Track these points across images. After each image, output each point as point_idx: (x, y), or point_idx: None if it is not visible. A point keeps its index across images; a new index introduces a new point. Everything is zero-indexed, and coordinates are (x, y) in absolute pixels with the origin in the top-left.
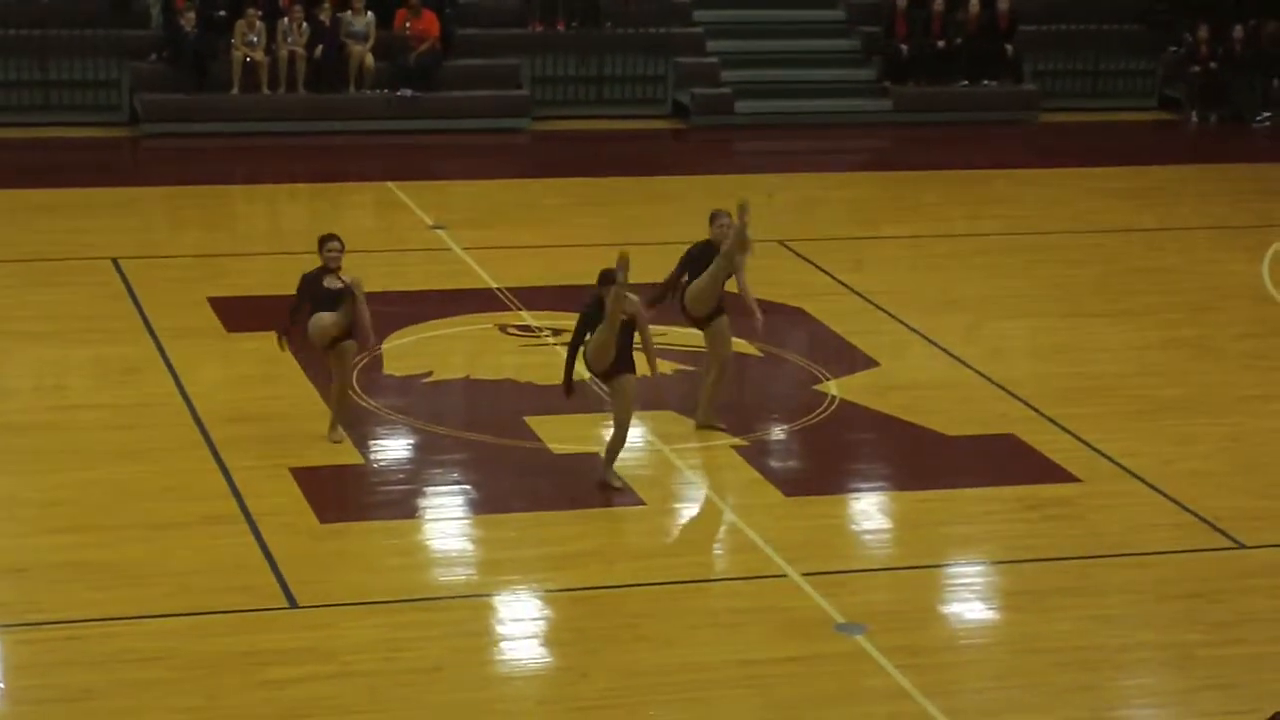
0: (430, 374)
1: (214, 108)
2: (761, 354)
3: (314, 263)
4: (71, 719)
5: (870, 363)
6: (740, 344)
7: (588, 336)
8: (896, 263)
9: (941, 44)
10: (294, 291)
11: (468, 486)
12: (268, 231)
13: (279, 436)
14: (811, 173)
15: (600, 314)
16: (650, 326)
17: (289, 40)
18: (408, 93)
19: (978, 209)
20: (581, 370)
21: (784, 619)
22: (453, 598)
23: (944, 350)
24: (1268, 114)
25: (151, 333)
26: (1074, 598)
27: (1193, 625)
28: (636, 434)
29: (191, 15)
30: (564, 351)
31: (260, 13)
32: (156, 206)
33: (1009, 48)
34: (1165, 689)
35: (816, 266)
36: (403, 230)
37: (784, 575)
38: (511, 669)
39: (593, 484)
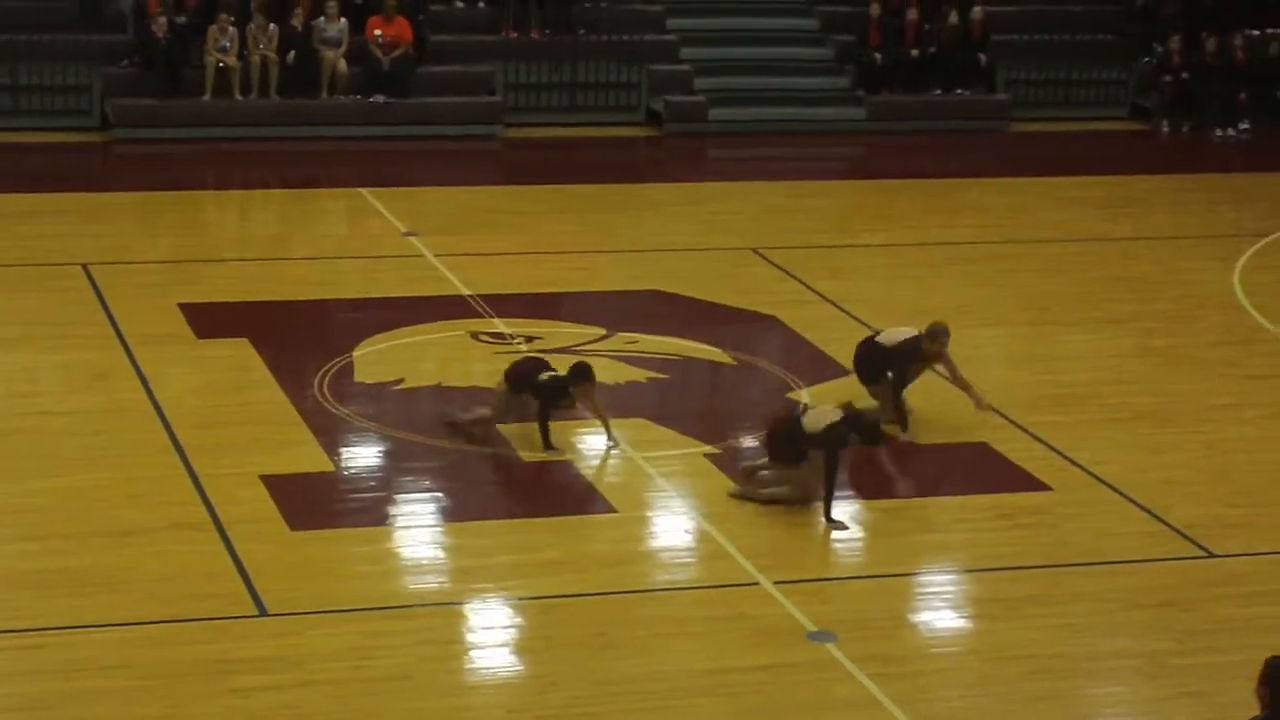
0: (401, 381)
1: (186, 113)
2: (734, 361)
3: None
4: None
5: (842, 371)
6: (713, 352)
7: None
8: (869, 271)
9: (915, 53)
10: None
11: (438, 494)
12: (239, 237)
13: (249, 443)
14: (785, 181)
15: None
16: (623, 334)
17: (261, 46)
18: (380, 99)
19: (951, 217)
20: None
21: (755, 627)
22: (422, 605)
23: None
24: (1245, 125)
25: (121, 339)
26: (1045, 606)
27: (1163, 634)
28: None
29: (164, 21)
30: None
31: (233, 18)
32: (127, 212)
33: (982, 57)
34: (1136, 698)
35: (789, 274)
36: (375, 237)
37: (755, 583)
38: (481, 677)
39: (563, 491)
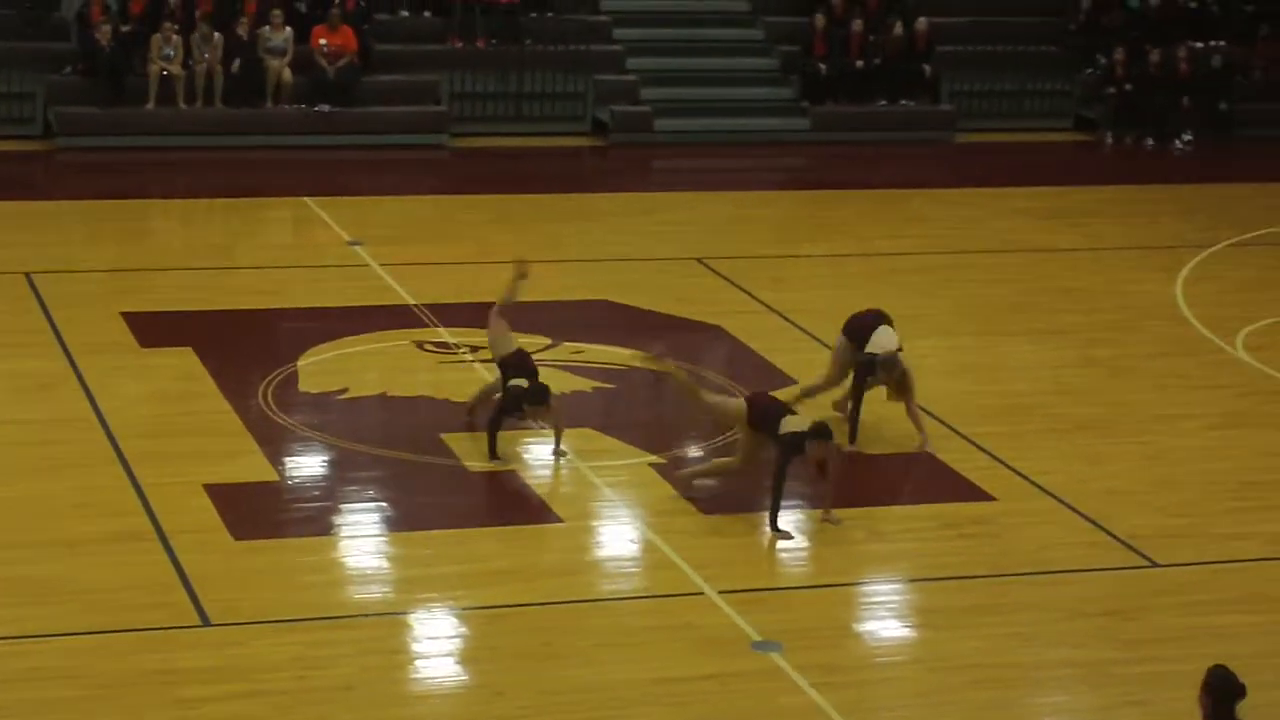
0: (346, 391)
1: (130, 121)
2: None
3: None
4: None
5: (788, 380)
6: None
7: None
8: (814, 281)
9: (860, 64)
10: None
11: (383, 504)
12: (183, 246)
13: (193, 453)
14: (730, 191)
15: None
16: (569, 344)
17: (205, 55)
18: (325, 108)
19: (896, 228)
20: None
21: (700, 637)
22: (367, 616)
23: None
24: (1188, 136)
25: (64, 348)
26: (989, 615)
27: (1106, 643)
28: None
29: (107, 29)
30: (481, 369)
31: (177, 26)
32: (71, 221)
33: (927, 68)
34: (1079, 706)
35: (734, 284)
36: (320, 246)
37: (701, 593)
38: (426, 687)
39: (509, 500)
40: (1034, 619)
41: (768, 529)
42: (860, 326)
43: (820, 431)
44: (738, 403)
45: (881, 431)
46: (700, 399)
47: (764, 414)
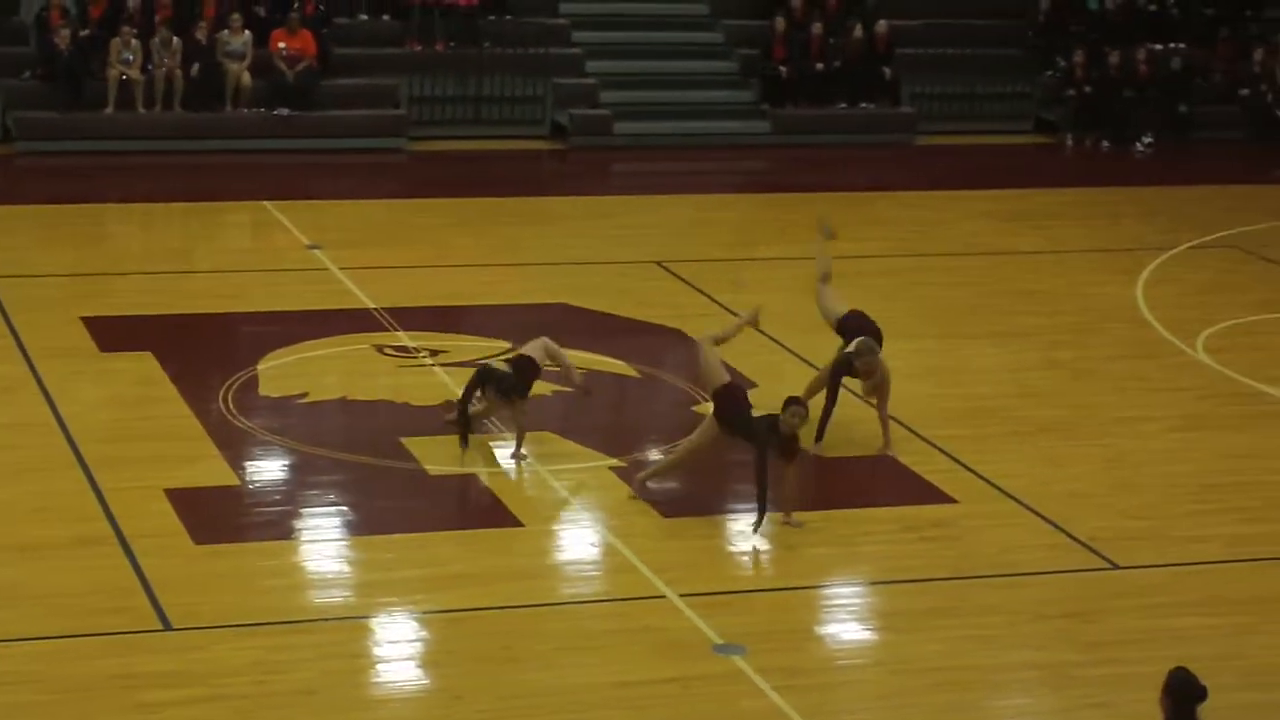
0: (306, 395)
1: (88, 126)
2: (639, 375)
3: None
4: None
5: (748, 384)
6: (619, 365)
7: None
8: (775, 284)
9: (820, 67)
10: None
11: (343, 508)
12: (142, 251)
13: (154, 457)
14: (690, 194)
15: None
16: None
17: (165, 59)
18: (284, 111)
19: (856, 230)
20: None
21: (662, 640)
22: (327, 620)
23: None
24: (1148, 139)
25: (24, 352)
26: (950, 618)
27: (1067, 645)
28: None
29: (66, 33)
30: (441, 373)
31: (136, 31)
32: (29, 225)
33: (887, 71)
34: (1040, 709)
35: (694, 287)
36: (279, 250)
37: (662, 596)
38: (386, 691)
39: (469, 504)
40: (995, 621)
41: (748, 531)
42: (851, 328)
43: (794, 399)
44: (722, 376)
45: (847, 433)
46: (710, 343)
47: (735, 399)
